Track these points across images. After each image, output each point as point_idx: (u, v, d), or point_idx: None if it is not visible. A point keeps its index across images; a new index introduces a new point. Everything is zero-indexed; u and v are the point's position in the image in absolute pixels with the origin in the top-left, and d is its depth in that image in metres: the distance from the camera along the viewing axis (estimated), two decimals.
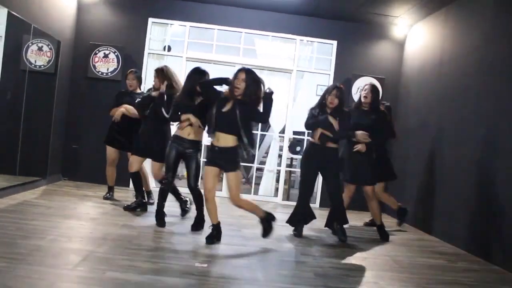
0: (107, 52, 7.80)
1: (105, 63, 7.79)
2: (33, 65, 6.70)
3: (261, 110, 4.68)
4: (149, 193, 6.40)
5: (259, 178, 8.63)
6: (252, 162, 8.98)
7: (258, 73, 8.22)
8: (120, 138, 6.28)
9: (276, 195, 8.31)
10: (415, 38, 7.84)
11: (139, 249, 4.23)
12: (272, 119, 8.38)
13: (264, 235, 4.95)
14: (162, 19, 8.03)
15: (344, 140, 5.69)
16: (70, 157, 7.79)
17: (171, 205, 5.71)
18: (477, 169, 5.52)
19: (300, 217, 5.56)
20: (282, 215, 6.72)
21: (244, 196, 4.99)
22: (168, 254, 4.21)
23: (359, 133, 5.55)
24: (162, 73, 5.57)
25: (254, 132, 4.97)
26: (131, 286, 3.23)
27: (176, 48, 8.23)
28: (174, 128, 5.52)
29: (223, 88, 4.82)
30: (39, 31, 6.47)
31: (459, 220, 5.76)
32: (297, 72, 8.23)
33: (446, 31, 6.75)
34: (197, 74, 5.10)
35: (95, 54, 7.80)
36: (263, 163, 8.93)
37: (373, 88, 5.75)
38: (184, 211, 5.81)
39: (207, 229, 4.93)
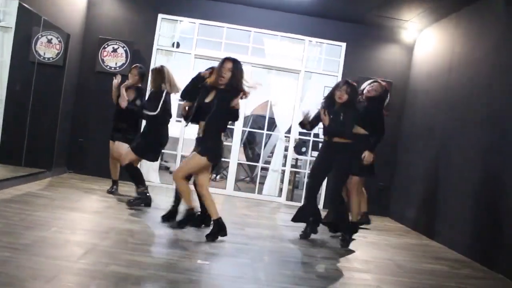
0: (116, 46, 7.81)
1: (114, 58, 7.80)
2: (42, 57, 6.72)
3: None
4: (115, 182, 6.50)
5: (263, 177, 8.62)
6: (257, 161, 8.98)
7: (266, 72, 8.35)
8: (114, 131, 6.34)
9: (280, 195, 8.30)
10: (425, 43, 7.81)
11: (142, 244, 4.24)
12: (279, 119, 8.41)
13: (177, 224, 4.89)
14: (171, 15, 8.04)
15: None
16: (76, 150, 7.80)
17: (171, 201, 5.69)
18: (484, 177, 5.49)
19: (304, 214, 5.41)
20: (285, 215, 6.75)
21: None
22: (170, 250, 4.21)
23: (366, 154, 5.61)
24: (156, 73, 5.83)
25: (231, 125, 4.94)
26: (133, 281, 3.22)
27: (185, 45, 8.23)
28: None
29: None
30: (49, 23, 6.48)
31: (463, 227, 5.73)
32: (305, 73, 8.22)
33: (456, 37, 6.72)
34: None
35: (104, 48, 7.81)
36: (268, 162, 8.92)
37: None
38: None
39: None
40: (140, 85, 6.39)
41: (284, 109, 8.39)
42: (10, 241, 3.65)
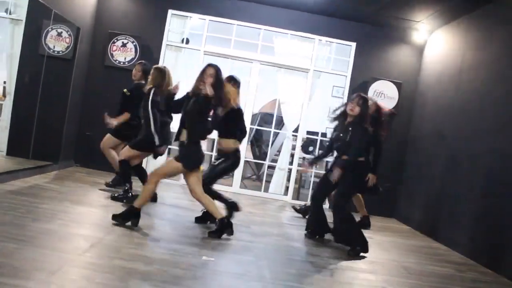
0: (125, 41, 7.81)
1: (123, 52, 7.81)
2: (51, 50, 6.73)
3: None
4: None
5: (270, 176, 8.61)
6: (264, 159, 8.97)
7: (275, 70, 8.33)
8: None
9: (286, 193, 8.27)
10: (435, 45, 7.75)
11: (147, 239, 4.24)
12: (287, 118, 8.39)
13: (121, 214, 4.60)
14: (181, 11, 8.02)
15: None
16: (83, 144, 7.81)
17: (177, 197, 5.71)
18: (491, 180, 5.45)
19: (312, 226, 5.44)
20: (291, 213, 6.74)
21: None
22: (176, 246, 4.20)
23: (371, 177, 5.58)
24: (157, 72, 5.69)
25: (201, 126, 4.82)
26: (138, 275, 3.22)
27: (194, 41, 8.22)
28: None
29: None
30: (59, 16, 6.49)
31: (470, 230, 5.69)
32: (314, 72, 8.18)
33: (467, 39, 6.67)
34: None
35: (113, 42, 7.81)
36: (275, 161, 8.90)
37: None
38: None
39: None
40: (143, 81, 6.27)
41: (292, 107, 8.36)
42: (16, 232, 3.66)
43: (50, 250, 3.40)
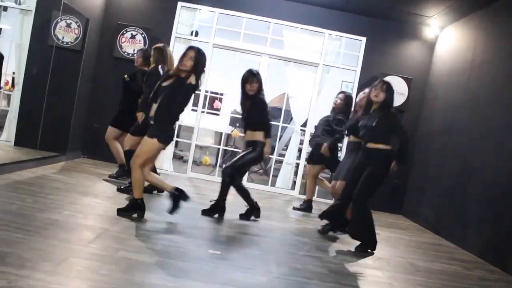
0: (134, 33, 7.80)
1: (132, 44, 7.79)
2: (60, 41, 6.74)
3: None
4: (121, 166, 6.39)
5: (277, 170, 8.58)
6: (272, 153, 8.94)
7: (284, 64, 8.29)
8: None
9: (293, 188, 8.25)
10: (446, 41, 7.67)
11: (153, 231, 4.23)
12: (295, 112, 8.35)
13: (125, 208, 4.56)
14: (191, 3, 7.99)
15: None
16: (90, 136, 7.83)
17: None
18: (501, 179, 5.39)
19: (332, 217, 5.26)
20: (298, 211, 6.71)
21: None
22: (182, 239, 4.19)
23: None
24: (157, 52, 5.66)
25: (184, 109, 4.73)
26: (143, 267, 3.21)
27: (203, 33, 8.18)
28: None
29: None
30: (68, 7, 6.48)
31: (478, 228, 5.64)
32: (323, 66, 8.13)
33: (478, 35, 6.59)
34: None
35: (122, 34, 7.80)
36: (282, 155, 8.86)
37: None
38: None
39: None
40: (146, 68, 6.13)
41: (301, 102, 8.32)
42: (23, 222, 3.66)
43: (56, 241, 3.40)
